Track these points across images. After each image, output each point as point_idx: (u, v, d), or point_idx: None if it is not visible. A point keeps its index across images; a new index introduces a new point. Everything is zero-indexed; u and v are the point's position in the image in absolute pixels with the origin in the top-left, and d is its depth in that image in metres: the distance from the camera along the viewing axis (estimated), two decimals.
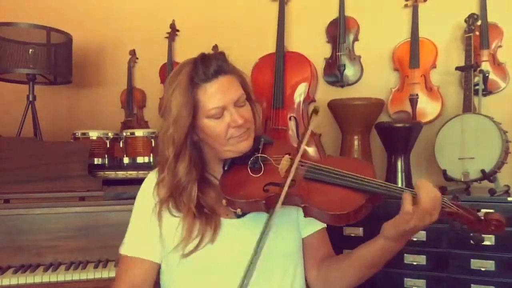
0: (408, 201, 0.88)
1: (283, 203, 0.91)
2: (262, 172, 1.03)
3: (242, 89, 1.04)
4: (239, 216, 1.02)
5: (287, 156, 1.03)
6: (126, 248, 1.08)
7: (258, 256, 0.83)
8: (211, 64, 0.99)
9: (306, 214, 0.93)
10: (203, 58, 1.01)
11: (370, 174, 0.96)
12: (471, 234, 0.90)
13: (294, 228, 1.10)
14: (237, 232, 1.03)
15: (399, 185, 1.95)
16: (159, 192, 1.05)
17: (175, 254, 1.00)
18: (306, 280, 1.13)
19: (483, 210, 0.90)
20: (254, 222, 1.02)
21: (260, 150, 1.05)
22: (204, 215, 1.01)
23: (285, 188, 0.91)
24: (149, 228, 1.05)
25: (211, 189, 1.06)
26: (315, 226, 1.14)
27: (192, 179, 1.02)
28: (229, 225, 1.03)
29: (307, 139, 1.02)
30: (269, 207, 0.94)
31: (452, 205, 0.90)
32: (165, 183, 1.04)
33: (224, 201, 0.99)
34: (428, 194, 0.87)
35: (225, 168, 1.06)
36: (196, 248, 0.98)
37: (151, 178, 1.11)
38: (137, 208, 1.11)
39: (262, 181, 0.99)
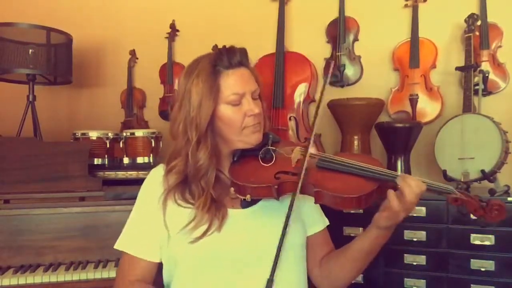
0: (393, 199, 0.93)
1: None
2: (273, 162, 1.06)
3: (257, 85, 1.10)
4: (245, 206, 1.06)
5: (298, 147, 1.07)
6: (129, 246, 1.08)
7: (282, 245, 0.91)
8: (236, 55, 1.05)
9: (318, 200, 0.96)
10: (228, 48, 1.06)
11: (378, 166, 1.01)
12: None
13: (301, 223, 1.13)
14: (243, 222, 1.05)
15: None
16: (168, 180, 1.07)
17: (181, 238, 1.01)
18: (310, 279, 1.16)
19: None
20: (259, 212, 1.06)
21: (270, 144, 1.10)
22: (213, 204, 1.03)
23: (303, 169, 0.95)
24: (153, 220, 1.06)
25: (216, 183, 1.08)
26: (320, 225, 1.18)
27: (213, 165, 1.05)
28: (235, 215, 1.05)
29: (317, 125, 1.07)
30: (280, 193, 0.98)
31: (456, 192, 0.96)
32: (178, 169, 1.06)
33: (232, 189, 1.03)
34: (413, 191, 0.92)
35: (235, 159, 1.10)
36: (203, 234, 1.00)
37: (158, 171, 1.13)
38: (142, 200, 1.12)
39: (273, 170, 1.03)
